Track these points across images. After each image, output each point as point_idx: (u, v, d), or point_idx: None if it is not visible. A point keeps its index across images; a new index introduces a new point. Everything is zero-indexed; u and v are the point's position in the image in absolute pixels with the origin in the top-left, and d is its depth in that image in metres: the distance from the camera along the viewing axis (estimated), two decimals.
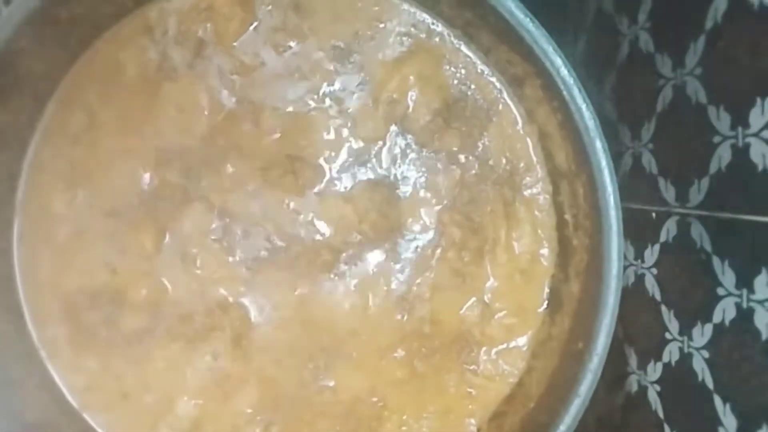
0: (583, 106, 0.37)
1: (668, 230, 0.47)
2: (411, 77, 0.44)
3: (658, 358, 0.48)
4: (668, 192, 0.47)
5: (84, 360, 0.44)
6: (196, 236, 0.44)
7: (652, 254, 0.49)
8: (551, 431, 0.40)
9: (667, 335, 0.47)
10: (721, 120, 0.41)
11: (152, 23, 0.43)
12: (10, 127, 0.42)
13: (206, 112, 0.44)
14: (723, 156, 0.41)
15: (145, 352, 0.44)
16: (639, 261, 0.51)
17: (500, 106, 0.45)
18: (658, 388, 0.49)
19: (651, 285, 0.50)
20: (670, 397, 0.48)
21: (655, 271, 0.49)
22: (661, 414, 0.48)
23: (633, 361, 0.52)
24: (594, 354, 0.39)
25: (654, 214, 0.49)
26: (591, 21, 0.58)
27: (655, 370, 0.49)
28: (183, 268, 0.44)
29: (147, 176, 0.44)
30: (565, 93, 0.37)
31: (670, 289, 0.48)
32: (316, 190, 0.45)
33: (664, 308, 0.48)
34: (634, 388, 0.52)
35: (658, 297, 0.49)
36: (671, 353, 0.47)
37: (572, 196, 0.43)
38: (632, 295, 0.51)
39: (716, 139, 0.41)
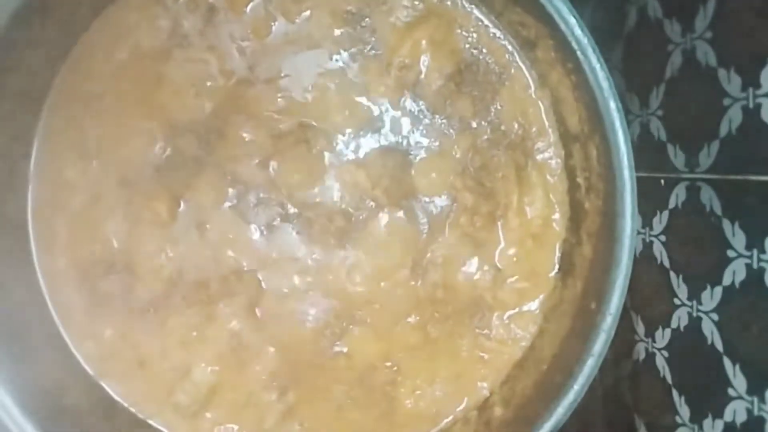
0: (597, 66, 0.37)
1: (677, 196, 0.47)
2: (423, 42, 0.44)
3: (667, 324, 0.49)
4: (677, 158, 0.47)
5: (100, 328, 0.44)
6: (210, 204, 0.44)
7: (660, 221, 0.50)
8: (565, 391, 0.40)
9: (676, 301, 0.48)
10: (732, 82, 0.41)
11: None
12: (23, 92, 0.42)
13: (218, 80, 0.44)
14: (734, 118, 0.41)
15: (160, 320, 0.44)
16: (647, 229, 0.51)
17: (512, 70, 0.45)
18: (666, 354, 0.49)
19: (659, 252, 0.50)
20: (679, 362, 0.48)
21: (663, 238, 0.49)
22: (669, 380, 0.49)
23: (640, 329, 0.53)
24: (607, 313, 0.39)
25: (662, 181, 0.49)
26: None
27: (663, 337, 0.49)
28: (197, 236, 0.44)
29: (160, 144, 0.44)
30: (579, 53, 0.37)
31: (679, 255, 0.48)
32: (328, 156, 0.45)
33: (672, 274, 0.48)
34: (642, 355, 0.52)
35: (666, 264, 0.49)
36: (680, 318, 0.47)
37: (585, 158, 0.43)
38: (640, 263, 0.51)
39: (726, 101, 0.41)
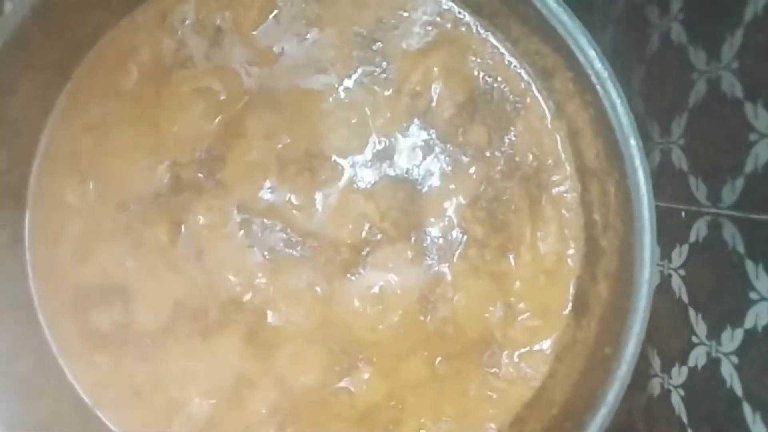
0: (618, 102, 0.35)
1: (698, 230, 0.46)
2: (435, 69, 0.43)
3: (684, 361, 0.47)
4: (699, 190, 0.46)
5: (96, 356, 0.43)
6: (211, 230, 0.44)
7: (680, 255, 0.48)
8: None
9: (694, 339, 0.46)
10: (759, 117, 0.39)
11: (169, 11, 0.42)
12: (22, 116, 0.41)
13: (222, 104, 0.43)
14: (761, 155, 0.39)
15: (158, 349, 0.43)
16: (666, 261, 0.50)
17: (528, 100, 0.43)
18: (682, 392, 0.48)
19: (678, 286, 0.48)
20: (695, 402, 0.47)
21: (682, 272, 0.48)
22: (684, 419, 0.47)
23: (656, 363, 0.51)
24: (622, 361, 0.38)
25: (683, 213, 0.47)
26: (619, 12, 0.57)
27: (679, 374, 0.48)
28: (197, 263, 0.44)
29: (161, 168, 0.43)
30: (598, 87, 0.36)
31: (699, 292, 0.46)
32: (335, 187, 0.43)
33: (691, 311, 0.47)
34: (657, 391, 0.51)
35: (685, 299, 0.48)
36: (698, 357, 0.46)
37: (602, 195, 0.42)
38: (658, 295, 0.49)
39: (753, 136, 0.40)
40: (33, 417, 0.41)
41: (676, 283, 0.49)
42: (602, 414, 0.38)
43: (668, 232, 0.48)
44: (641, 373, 0.52)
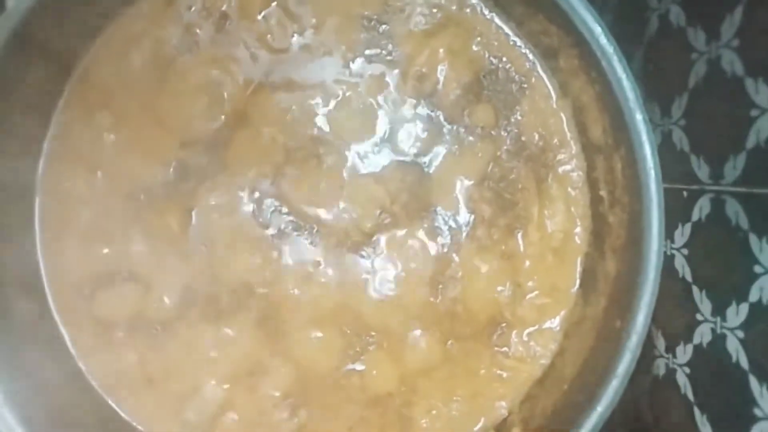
0: (623, 76, 0.36)
1: (701, 208, 0.46)
2: (441, 50, 0.43)
3: (689, 340, 0.48)
4: (701, 169, 0.46)
5: (108, 344, 0.43)
6: (220, 217, 0.43)
7: (682, 234, 0.48)
8: (587, 414, 0.39)
9: (698, 316, 0.46)
10: (760, 92, 0.40)
11: None
12: (30, 105, 0.41)
13: (229, 89, 0.43)
14: (762, 129, 0.40)
15: (169, 336, 0.43)
16: (668, 241, 0.50)
17: (533, 79, 0.44)
18: (687, 370, 0.48)
19: (681, 266, 0.49)
20: (701, 379, 0.47)
21: (686, 251, 0.48)
22: (691, 397, 0.47)
23: (660, 344, 0.52)
24: (633, 332, 0.38)
25: (685, 193, 0.48)
26: None
27: (684, 353, 0.48)
28: (207, 249, 0.43)
29: (169, 155, 0.43)
30: (603, 63, 0.36)
31: (702, 270, 0.47)
32: (343, 172, 0.44)
33: (695, 289, 0.47)
34: (662, 371, 0.51)
35: (689, 278, 0.48)
36: (702, 335, 0.46)
37: (609, 171, 0.42)
38: (661, 276, 0.50)
39: (754, 112, 0.40)
40: (44, 406, 0.41)
41: (680, 262, 0.49)
42: (613, 386, 0.38)
43: (670, 213, 0.48)
44: (646, 354, 0.53)
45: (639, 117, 0.36)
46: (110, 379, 0.43)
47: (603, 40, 0.36)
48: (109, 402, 0.43)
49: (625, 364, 0.38)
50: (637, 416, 0.54)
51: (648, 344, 0.52)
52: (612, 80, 0.36)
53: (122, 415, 0.44)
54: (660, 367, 0.52)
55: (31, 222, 0.43)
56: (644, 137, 0.36)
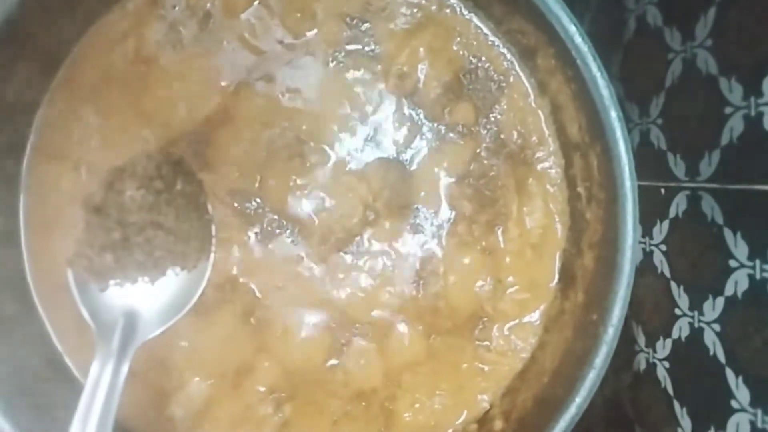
0: (598, 75, 0.37)
1: (678, 205, 0.47)
2: (421, 50, 0.43)
3: (668, 334, 0.48)
4: (677, 167, 0.47)
5: (93, 341, 0.43)
6: None
7: (660, 231, 0.49)
8: (566, 405, 0.39)
9: (677, 311, 0.47)
10: (733, 91, 0.40)
11: None
12: (15, 103, 0.41)
13: (211, 87, 0.43)
14: (735, 127, 0.40)
15: None
16: (647, 238, 0.51)
17: (511, 78, 0.44)
18: (667, 364, 0.49)
19: (659, 261, 0.49)
20: (680, 373, 0.47)
21: (664, 247, 0.49)
22: (670, 390, 0.48)
23: (641, 339, 0.52)
24: (609, 325, 0.39)
25: (662, 190, 0.48)
26: None
27: (664, 347, 0.49)
28: None
29: (152, 153, 0.43)
30: (579, 62, 0.37)
31: (680, 265, 0.47)
32: (326, 170, 0.44)
33: (673, 284, 0.48)
34: (643, 366, 0.52)
35: (667, 273, 0.49)
36: (681, 329, 0.47)
37: (585, 168, 0.43)
38: (640, 273, 0.51)
39: (728, 110, 0.41)
40: (30, 402, 0.41)
41: (658, 258, 0.50)
42: (591, 378, 0.39)
43: (649, 210, 0.49)
44: (627, 350, 0.53)
45: (613, 115, 0.37)
46: None
47: (578, 39, 0.36)
48: None
49: (601, 357, 0.39)
50: (620, 410, 0.55)
51: (629, 339, 0.53)
52: (587, 79, 0.37)
53: None
54: (641, 362, 0.52)
55: (15, 219, 0.43)
56: (618, 134, 0.37)
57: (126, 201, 0.39)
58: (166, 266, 0.41)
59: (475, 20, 0.44)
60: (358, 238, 0.44)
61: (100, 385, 0.37)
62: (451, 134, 0.45)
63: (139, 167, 0.40)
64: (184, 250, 0.41)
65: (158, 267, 0.41)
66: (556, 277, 0.45)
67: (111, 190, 0.40)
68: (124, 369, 0.38)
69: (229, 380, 0.44)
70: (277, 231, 0.44)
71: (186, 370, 0.43)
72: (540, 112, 0.44)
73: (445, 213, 0.45)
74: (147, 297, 0.41)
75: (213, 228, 0.44)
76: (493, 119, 0.45)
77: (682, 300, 0.47)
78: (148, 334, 0.40)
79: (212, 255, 0.43)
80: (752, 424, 0.39)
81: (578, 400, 0.39)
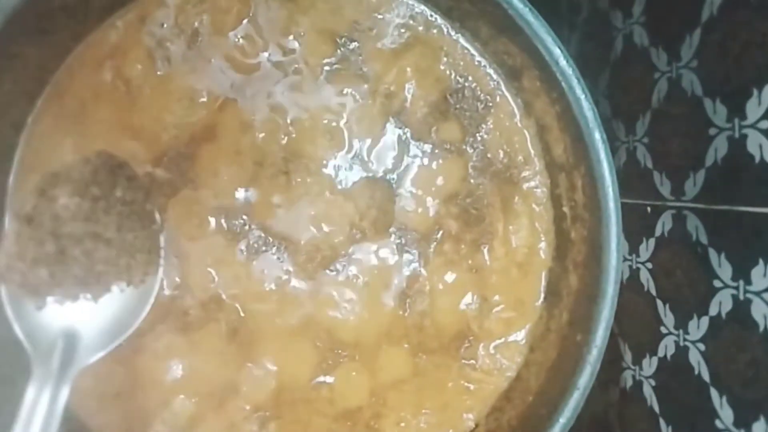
0: (582, 97, 0.37)
1: (663, 224, 0.47)
2: (408, 69, 0.44)
3: (654, 352, 0.49)
4: (663, 186, 0.47)
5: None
6: (188, 230, 0.43)
7: (647, 249, 0.50)
8: (550, 425, 0.39)
9: (663, 329, 0.47)
10: (718, 112, 0.41)
11: (147, 15, 0.42)
12: (3, 115, 0.41)
13: (198, 104, 0.43)
14: (719, 148, 0.41)
15: (137, 349, 0.43)
16: (634, 256, 0.51)
17: (498, 98, 0.44)
18: (653, 382, 0.49)
19: (646, 279, 0.50)
20: (666, 391, 0.48)
21: (650, 265, 0.49)
22: (656, 408, 0.48)
23: (627, 356, 0.52)
24: (593, 346, 0.39)
25: (649, 209, 0.49)
26: (584, 17, 0.59)
27: (650, 365, 0.49)
28: (175, 262, 0.43)
29: (139, 168, 0.43)
30: (563, 84, 0.37)
31: (666, 283, 0.48)
32: (312, 189, 0.44)
33: (659, 302, 0.48)
34: (629, 383, 0.52)
35: (653, 291, 0.49)
36: (667, 347, 0.47)
37: (570, 188, 0.43)
38: (627, 290, 0.51)
39: (712, 131, 0.41)
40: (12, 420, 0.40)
41: (644, 276, 0.50)
42: (575, 398, 0.39)
43: (635, 228, 0.50)
44: (614, 367, 0.53)
45: (597, 136, 0.37)
46: (78, 393, 0.43)
47: (562, 62, 0.37)
48: (79, 415, 0.43)
49: (585, 377, 0.39)
50: (606, 428, 0.55)
51: (616, 356, 0.53)
52: (571, 101, 0.37)
53: (91, 429, 0.43)
54: (627, 379, 0.52)
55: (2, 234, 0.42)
56: (602, 155, 0.37)
57: (59, 209, 0.36)
58: (109, 282, 0.38)
59: (462, 41, 0.44)
60: (344, 257, 0.44)
61: (37, 412, 0.34)
62: (438, 153, 0.45)
63: (75, 172, 0.38)
64: (128, 264, 0.38)
65: (101, 282, 0.38)
66: (542, 296, 0.46)
67: (43, 197, 0.37)
68: (63, 395, 0.35)
69: (214, 398, 0.44)
70: (263, 248, 0.44)
71: (170, 388, 0.43)
72: (526, 131, 0.45)
73: (432, 232, 0.45)
74: (89, 316, 0.37)
75: (161, 239, 0.41)
76: (479, 138, 0.45)
77: (668, 318, 0.47)
78: (90, 356, 0.37)
79: (161, 269, 0.41)
80: None
81: (562, 420, 0.39)
